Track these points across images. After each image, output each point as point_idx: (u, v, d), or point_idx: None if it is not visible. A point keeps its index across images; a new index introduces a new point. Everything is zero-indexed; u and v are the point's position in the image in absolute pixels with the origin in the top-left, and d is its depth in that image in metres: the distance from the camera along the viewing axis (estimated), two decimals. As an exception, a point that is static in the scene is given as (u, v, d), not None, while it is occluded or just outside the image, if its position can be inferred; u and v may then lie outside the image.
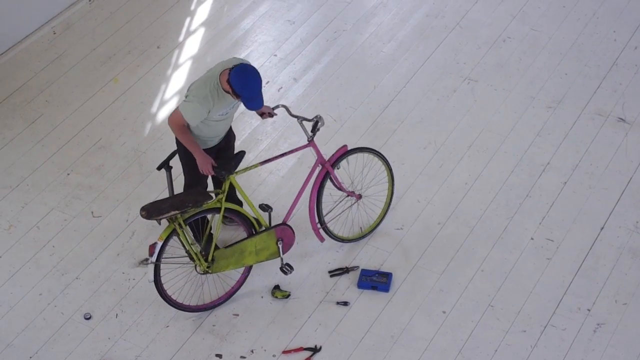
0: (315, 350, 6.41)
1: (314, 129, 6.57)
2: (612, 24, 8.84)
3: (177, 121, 6.27)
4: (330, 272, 6.85)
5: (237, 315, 6.63)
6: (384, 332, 6.50)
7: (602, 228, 7.11)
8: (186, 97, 6.25)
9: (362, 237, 7.05)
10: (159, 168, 6.77)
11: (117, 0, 9.26)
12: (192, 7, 9.23)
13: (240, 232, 7.06)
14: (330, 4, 9.20)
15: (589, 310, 6.58)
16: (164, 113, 8.13)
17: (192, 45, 8.81)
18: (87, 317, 6.62)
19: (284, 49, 8.71)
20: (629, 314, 6.55)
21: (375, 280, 6.74)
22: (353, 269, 6.86)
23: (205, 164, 6.32)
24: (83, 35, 8.90)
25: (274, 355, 6.40)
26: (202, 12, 9.17)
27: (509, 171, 7.53)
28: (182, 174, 6.75)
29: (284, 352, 6.41)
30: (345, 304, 6.66)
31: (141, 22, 9.05)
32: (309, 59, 8.61)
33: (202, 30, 8.98)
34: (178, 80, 8.46)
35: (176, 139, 6.49)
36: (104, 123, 8.05)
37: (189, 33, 8.95)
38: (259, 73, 6.09)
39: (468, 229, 7.12)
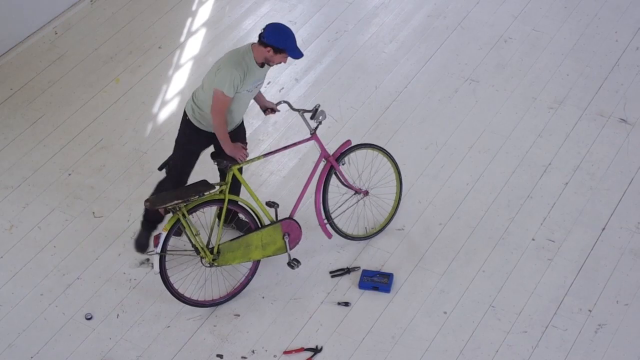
0: (316, 350, 6.40)
1: (314, 117, 6.54)
2: (613, 25, 8.84)
3: (221, 106, 6.21)
4: (331, 272, 6.85)
5: (238, 315, 6.63)
6: (385, 332, 6.50)
7: (604, 229, 7.10)
8: (217, 70, 6.20)
9: (370, 236, 7.04)
10: (160, 168, 6.77)
11: (118, 1, 9.26)
12: (194, 8, 9.23)
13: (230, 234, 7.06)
14: (332, 4, 9.19)
15: (590, 311, 6.58)
16: (165, 113, 8.13)
17: (193, 46, 8.81)
18: (88, 317, 6.62)
19: (286, 50, 8.71)
20: (630, 315, 6.54)
21: (377, 281, 6.73)
22: (354, 269, 6.86)
23: (237, 151, 6.37)
24: (84, 36, 8.90)
25: (275, 356, 6.40)
26: (204, 13, 9.17)
27: (510, 172, 7.53)
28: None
29: (285, 352, 6.41)
30: (347, 304, 6.66)
31: (143, 22, 9.05)
32: (310, 60, 8.60)
33: (203, 31, 8.98)
34: (179, 80, 8.46)
35: (177, 137, 6.50)
36: (106, 123, 8.05)
37: (190, 33, 8.95)
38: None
39: (469, 230, 7.11)
